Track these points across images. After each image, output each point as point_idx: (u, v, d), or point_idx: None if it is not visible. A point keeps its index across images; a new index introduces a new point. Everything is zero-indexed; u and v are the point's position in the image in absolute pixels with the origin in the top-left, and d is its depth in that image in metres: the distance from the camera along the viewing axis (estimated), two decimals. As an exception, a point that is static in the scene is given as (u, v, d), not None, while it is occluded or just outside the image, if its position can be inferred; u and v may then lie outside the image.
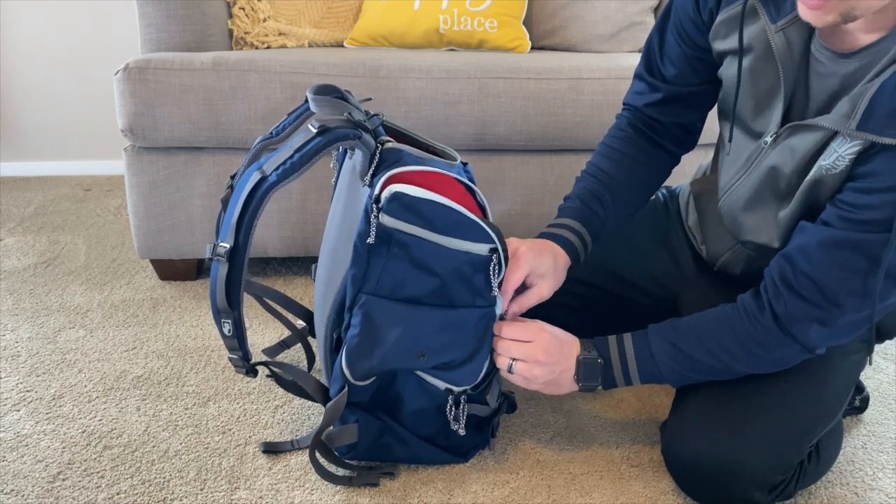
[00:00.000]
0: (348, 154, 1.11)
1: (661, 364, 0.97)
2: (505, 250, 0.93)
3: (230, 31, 1.79)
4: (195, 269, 1.65)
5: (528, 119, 1.54)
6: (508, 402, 1.08)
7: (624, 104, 1.16)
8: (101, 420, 1.14)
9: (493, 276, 0.93)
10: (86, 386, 1.23)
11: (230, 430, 1.12)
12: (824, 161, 0.87)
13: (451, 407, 0.99)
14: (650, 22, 1.95)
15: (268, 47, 1.80)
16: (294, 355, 1.33)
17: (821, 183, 0.88)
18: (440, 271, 0.92)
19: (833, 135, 0.86)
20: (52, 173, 2.53)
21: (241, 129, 1.49)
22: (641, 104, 1.12)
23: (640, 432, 1.15)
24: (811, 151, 0.89)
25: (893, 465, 1.10)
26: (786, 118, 0.93)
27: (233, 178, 1.01)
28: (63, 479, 1.00)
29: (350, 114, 0.93)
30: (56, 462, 1.04)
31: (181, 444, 1.09)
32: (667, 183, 1.27)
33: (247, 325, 0.99)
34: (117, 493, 0.98)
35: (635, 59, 1.33)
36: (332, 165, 1.17)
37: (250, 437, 1.11)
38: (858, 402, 1.21)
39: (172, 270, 1.64)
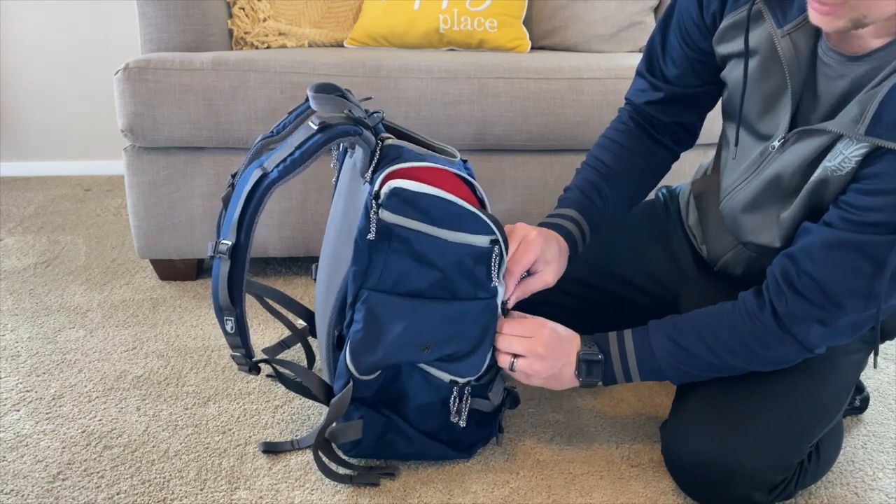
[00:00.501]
0: (349, 153, 1.11)
1: (661, 360, 0.97)
2: (505, 241, 0.93)
3: (230, 31, 1.79)
4: (195, 269, 1.65)
5: (528, 119, 1.54)
6: (511, 398, 1.08)
7: (626, 99, 1.17)
8: (101, 420, 1.14)
9: (495, 267, 0.94)
10: (86, 386, 1.23)
11: (230, 430, 1.12)
12: (830, 163, 0.87)
13: (454, 399, 1.00)
14: (650, 22, 1.95)
15: (268, 47, 1.80)
16: (294, 355, 1.33)
17: (826, 184, 0.88)
18: (441, 264, 0.92)
19: (839, 137, 0.86)
20: (52, 173, 2.53)
21: (241, 129, 1.49)
22: (642, 101, 1.12)
23: (640, 432, 1.15)
24: (816, 153, 0.89)
25: (893, 465, 1.10)
26: (794, 123, 0.93)
27: (234, 176, 1.01)
28: (63, 479, 1.00)
29: (350, 111, 0.93)
30: (56, 462, 1.04)
31: (181, 444, 1.09)
32: (667, 182, 1.27)
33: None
34: (117, 493, 0.98)
35: (635, 59, 1.34)
36: (332, 165, 1.18)
37: (250, 437, 1.11)
38: (858, 402, 1.21)
39: (172, 270, 1.64)
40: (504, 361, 0.99)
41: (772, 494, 0.96)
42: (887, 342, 1.43)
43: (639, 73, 1.13)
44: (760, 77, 0.95)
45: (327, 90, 0.96)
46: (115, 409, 1.16)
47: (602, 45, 1.92)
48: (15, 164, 2.52)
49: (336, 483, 1.01)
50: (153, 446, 1.08)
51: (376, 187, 0.90)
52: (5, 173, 2.52)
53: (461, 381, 0.99)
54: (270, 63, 1.48)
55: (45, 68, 2.44)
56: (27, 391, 1.21)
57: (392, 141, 0.95)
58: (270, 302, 1.21)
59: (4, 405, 1.17)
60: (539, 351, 0.97)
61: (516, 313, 1.02)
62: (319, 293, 1.12)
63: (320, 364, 1.23)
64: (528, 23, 1.91)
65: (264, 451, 1.07)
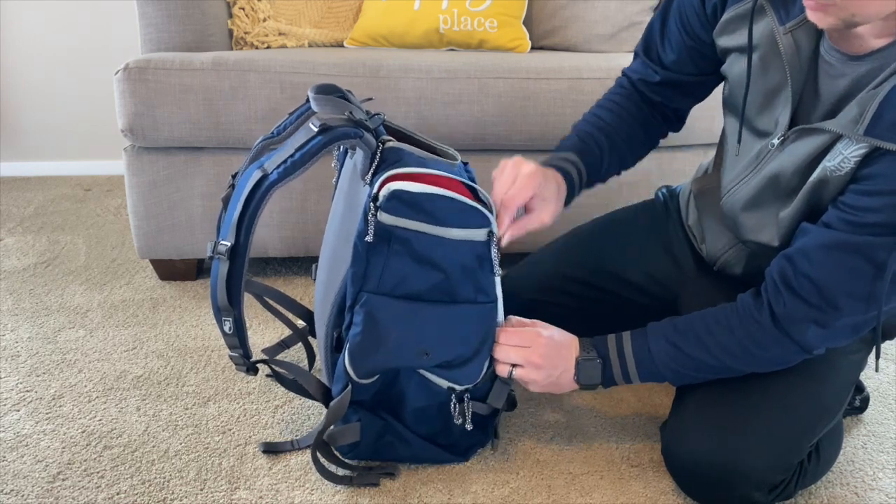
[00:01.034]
0: (349, 154, 1.11)
1: (660, 363, 0.97)
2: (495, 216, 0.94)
3: (230, 31, 1.79)
4: (195, 269, 1.65)
5: (528, 119, 1.54)
6: (509, 400, 1.08)
7: (623, 73, 1.18)
8: (101, 420, 1.14)
9: (494, 254, 0.94)
10: (86, 386, 1.23)
11: (230, 430, 1.12)
12: (829, 163, 0.87)
13: (454, 404, 0.99)
14: (650, 22, 1.95)
15: (268, 47, 1.80)
16: (294, 355, 1.33)
17: (825, 184, 0.88)
18: (443, 264, 0.92)
19: (838, 136, 0.86)
20: (52, 173, 2.53)
21: (241, 129, 1.49)
22: (637, 79, 1.14)
23: (640, 432, 1.15)
24: (815, 153, 0.89)
25: (893, 465, 1.10)
26: (794, 121, 0.93)
27: (234, 177, 1.01)
28: (63, 479, 1.00)
29: (351, 113, 0.93)
30: (56, 462, 1.04)
31: (181, 444, 1.09)
32: (667, 182, 1.27)
33: (247, 324, 1.00)
34: (117, 493, 0.98)
35: (635, 59, 1.34)
36: (333, 165, 1.18)
37: (250, 437, 1.11)
38: (859, 402, 1.21)
39: (172, 270, 1.64)
40: (503, 371, 0.99)
41: (772, 494, 0.96)
42: (887, 342, 1.43)
43: (637, 55, 1.14)
44: (761, 73, 0.95)
45: (328, 91, 0.96)
46: (115, 409, 1.16)
47: (602, 45, 1.92)
48: (15, 164, 2.52)
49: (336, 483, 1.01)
50: (153, 446, 1.08)
51: (375, 190, 0.90)
52: (5, 173, 2.52)
53: (458, 388, 0.99)
54: (270, 63, 1.48)
55: (45, 68, 2.44)
56: (27, 391, 1.21)
57: (393, 144, 0.95)
58: (271, 302, 1.21)
59: (4, 405, 1.17)
60: (536, 361, 0.98)
61: (514, 319, 1.02)
62: (319, 293, 1.12)
63: (320, 364, 1.23)
64: (528, 23, 1.91)
65: (264, 452, 1.07)
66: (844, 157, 0.85)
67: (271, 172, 0.90)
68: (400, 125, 1.05)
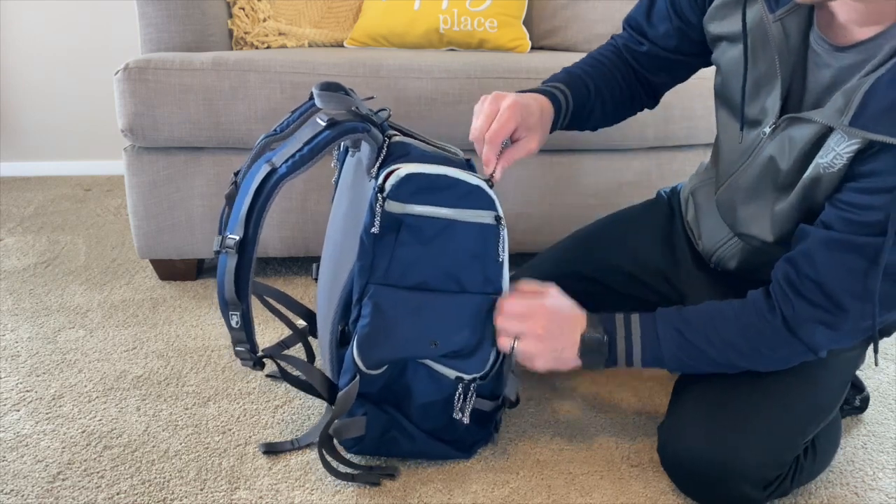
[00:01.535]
0: (350, 152, 1.12)
1: (666, 350, 0.97)
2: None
3: (230, 31, 1.79)
4: (195, 269, 1.65)
5: (528, 119, 1.54)
6: (514, 397, 1.08)
7: (612, 37, 1.18)
8: (101, 420, 1.14)
9: (502, 243, 0.95)
10: (86, 386, 1.23)
11: (230, 430, 1.12)
12: (822, 159, 0.87)
13: (459, 395, 0.99)
14: (650, 22, 1.95)
15: (268, 47, 1.80)
16: (294, 355, 1.33)
17: (819, 181, 0.88)
18: (451, 249, 0.93)
19: (830, 130, 0.85)
20: (52, 173, 2.53)
21: (241, 129, 1.49)
22: (622, 44, 1.15)
23: (640, 432, 1.15)
24: (808, 145, 0.88)
25: (893, 465, 1.10)
26: (785, 109, 0.93)
27: (236, 175, 1.01)
28: (63, 479, 1.00)
29: (357, 108, 0.94)
30: (56, 462, 1.04)
31: (181, 444, 1.08)
32: (669, 182, 1.28)
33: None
34: (117, 493, 0.98)
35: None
36: (332, 165, 1.18)
37: (250, 437, 1.11)
38: (858, 401, 1.21)
39: (172, 270, 1.64)
40: (505, 344, 0.97)
41: (767, 491, 0.96)
42: (887, 342, 1.43)
43: (624, 27, 1.15)
44: (751, 61, 0.95)
45: (332, 88, 0.97)
46: (115, 409, 1.16)
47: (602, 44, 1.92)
48: (15, 164, 2.52)
49: (336, 483, 1.01)
50: (153, 446, 1.08)
51: (380, 182, 0.90)
52: (5, 173, 2.52)
53: (467, 377, 0.99)
54: (270, 63, 1.48)
55: (45, 68, 2.44)
56: (27, 391, 1.21)
57: (399, 138, 0.96)
58: (271, 301, 1.21)
59: (4, 405, 1.17)
60: (538, 332, 0.95)
61: (523, 282, 1.01)
62: (322, 291, 1.12)
63: (320, 364, 1.23)
64: (528, 23, 1.91)
65: (264, 452, 1.07)
66: (837, 153, 0.85)
67: (280, 166, 0.91)
68: (401, 126, 1.05)
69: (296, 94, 1.48)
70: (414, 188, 0.90)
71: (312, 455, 1.06)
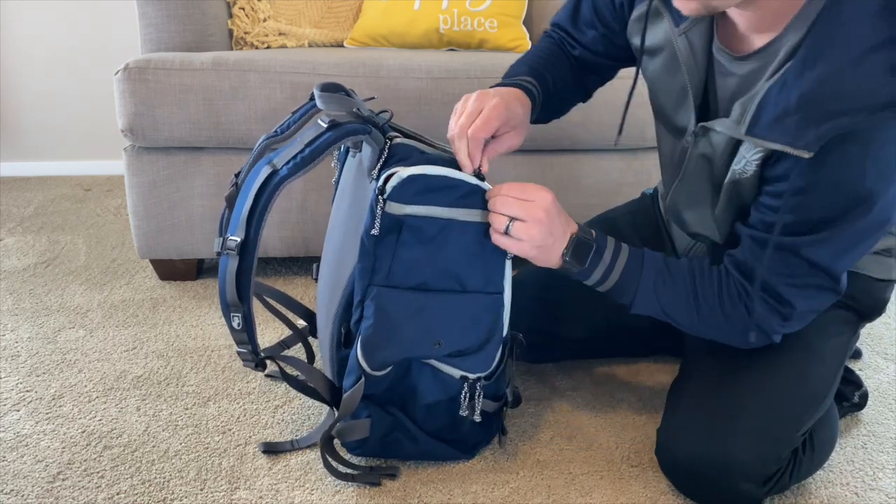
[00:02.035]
0: (350, 153, 1.12)
1: (642, 288, 0.97)
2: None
3: (230, 31, 1.79)
4: (195, 269, 1.65)
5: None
6: (513, 397, 1.08)
7: (551, 26, 1.19)
8: (101, 420, 1.14)
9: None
10: (86, 386, 1.23)
11: (230, 430, 1.12)
12: (736, 166, 0.90)
13: (465, 394, 0.99)
14: (650, 22, 1.96)
15: (268, 47, 1.80)
16: (294, 355, 1.33)
17: (738, 185, 0.91)
18: (453, 247, 0.93)
19: (737, 138, 0.88)
20: (52, 173, 2.53)
21: (241, 129, 1.49)
22: (558, 41, 1.16)
23: (640, 432, 1.15)
24: (724, 153, 0.92)
25: (893, 465, 1.10)
26: (704, 117, 0.96)
27: (237, 176, 1.01)
28: (63, 479, 1.00)
29: (358, 109, 0.94)
30: (56, 462, 1.04)
31: (181, 444, 1.09)
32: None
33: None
34: (117, 493, 0.98)
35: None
36: (332, 165, 1.18)
37: (250, 437, 1.11)
38: (857, 398, 1.21)
39: (172, 270, 1.64)
40: (500, 223, 0.91)
41: (765, 486, 0.96)
42: (887, 342, 1.43)
43: (554, 29, 1.16)
44: (668, 74, 0.98)
45: (333, 89, 0.97)
46: (115, 409, 1.16)
47: (602, 45, 1.92)
48: (15, 164, 2.52)
49: (336, 483, 1.01)
50: (153, 446, 1.08)
51: (380, 183, 0.91)
52: (5, 173, 2.52)
53: (472, 376, 0.99)
54: (270, 63, 1.48)
55: (45, 68, 2.44)
56: (27, 391, 1.21)
57: (400, 140, 0.96)
58: (271, 301, 1.21)
59: (4, 405, 1.17)
60: (539, 215, 0.91)
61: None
62: (323, 292, 1.12)
63: (320, 364, 1.23)
64: (528, 23, 1.91)
65: (264, 452, 1.07)
66: (747, 160, 0.88)
67: (281, 168, 0.91)
68: (401, 126, 1.05)
69: (296, 94, 1.48)
70: (415, 189, 0.90)
71: (312, 455, 1.06)
